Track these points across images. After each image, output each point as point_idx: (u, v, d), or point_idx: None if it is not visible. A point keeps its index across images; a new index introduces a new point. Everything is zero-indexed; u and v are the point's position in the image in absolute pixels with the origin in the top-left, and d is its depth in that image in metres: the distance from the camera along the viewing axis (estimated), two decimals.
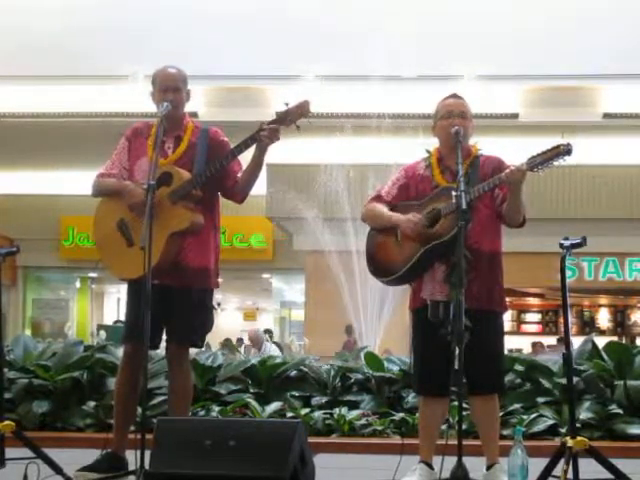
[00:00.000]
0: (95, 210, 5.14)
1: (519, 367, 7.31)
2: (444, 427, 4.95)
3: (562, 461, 4.27)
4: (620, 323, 19.92)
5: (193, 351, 5.94)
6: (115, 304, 22.72)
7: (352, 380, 7.58)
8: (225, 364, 7.65)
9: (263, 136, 4.78)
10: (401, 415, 6.96)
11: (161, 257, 4.72)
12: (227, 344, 15.32)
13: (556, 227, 12.45)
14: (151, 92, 5.07)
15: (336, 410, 7.11)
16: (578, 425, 5.44)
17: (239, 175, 5.02)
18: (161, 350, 5.24)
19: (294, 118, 4.79)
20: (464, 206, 4.41)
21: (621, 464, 4.42)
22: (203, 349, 7.27)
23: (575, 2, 12.90)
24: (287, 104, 4.81)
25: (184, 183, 4.82)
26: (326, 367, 7.76)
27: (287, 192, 14.46)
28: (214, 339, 16.78)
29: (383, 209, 4.95)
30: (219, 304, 24.90)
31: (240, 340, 19.12)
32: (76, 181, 15.21)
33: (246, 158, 4.95)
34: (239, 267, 18.66)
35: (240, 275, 20.42)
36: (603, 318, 20.00)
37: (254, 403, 7.13)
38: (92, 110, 15.97)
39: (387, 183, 5.09)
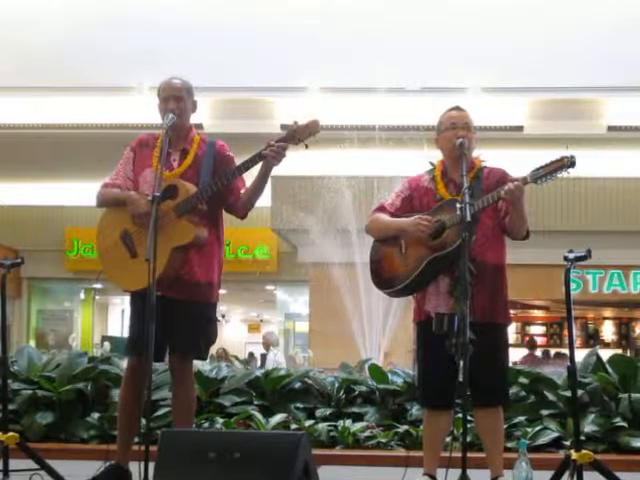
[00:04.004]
0: (99, 221, 5.14)
1: (523, 379, 7.30)
2: (448, 439, 4.95)
3: (566, 474, 4.26)
4: (624, 336, 19.88)
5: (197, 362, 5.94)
6: (119, 315, 22.70)
7: (356, 392, 7.58)
8: (229, 376, 7.65)
9: (270, 155, 4.77)
10: (405, 427, 6.96)
11: (164, 270, 4.71)
12: (222, 355, 15.32)
13: (560, 239, 12.48)
14: (158, 104, 5.08)
15: (340, 422, 7.10)
16: (582, 438, 5.43)
17: (242, 191, 5.02)
18: (165, 362, 5.24)
19: (303, 137, 4.77)
20: (468, 218, 4.41)
21: (625, 477, 4.42)
22: (207, 361, 7.27)
23: (580, 15, 12.92)
24: (296, 122, 4.79)
25: (190, 197, 4.81)
26: (330, 379, 7.75)
27: (291, 204, 14.46)
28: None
29: (387, 217, 4.97)
30: (223, 316, 24.91)
31: (251, 355, 19.11)
32: (80, 192, 15.24)
33: (250, 173, 4.95)
34: (243, 279, 18.68)
35: (244, 287, 20.43)
36: (607, 331, 19.97)
37: (258, 415, 7.13)
38: (97, 121, 16.02)
39: (391, 195, 5.10)
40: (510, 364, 5.96)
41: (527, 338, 18.39)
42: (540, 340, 19.64)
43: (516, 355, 15.01)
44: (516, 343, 18.67)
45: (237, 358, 11.61)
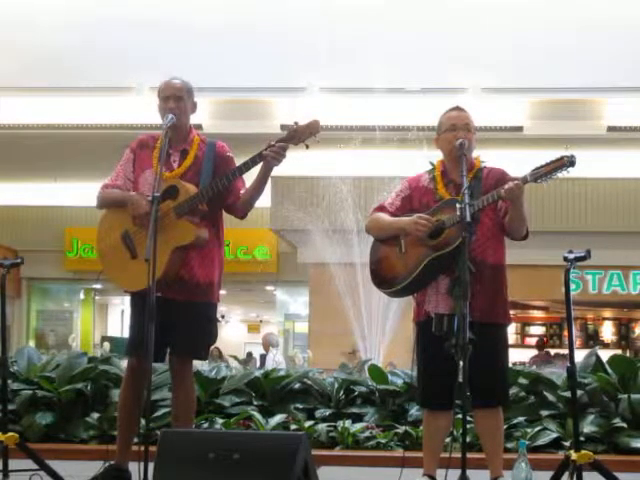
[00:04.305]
0: (99, 221, 5.14)
1: (523, 380, 7.30)
2: (448, 440, 4.94)
3: (566, 474, 4.26)
4: (624, 336, 19.91)
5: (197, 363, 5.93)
6: (119, 316, 22.74)
7: (356, 393, 7.58)
8: (229, 376, 7.65)
9: (270, 155, 4.77)
10: (405, 428, 6.95)
11: (164, 270, 4.72)
12: (216, 355, 15.31)
13: (560, 240, 12.47)
14: (158, 104, 5.08)
15: (340, 423, 7.10)
16: (582, 438, 5.43)
17: (242, 192, 5.02)
18: (165, 362, 5.24)
19: (303, 137, 4.76)
20: (468, 218, 4.41)
21: (625, 478, 4.42)
22: (207, 361, 7.27)
23: (579, 15, 12.92)
24: (296, 123, 4.79)
25: (190, 197, 4.81)
26: (330, 380, 7.75)
27: (291, 204, 14.46)
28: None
29: (387, 217, 4.96)
30: (223, 316, 24.92)
31: (249, 355, 19.11)
32: (80, 193, 15.27)
33: (250, 173, 4.95)
34: (243, 279, 18.67)
35: (244, 287, 20.43)
36: (607, 331, 19.99)
37: (258, 415, 7.12)
38: (97, 122, 16.02)
39: (391, 195, 5.09)
40: (510, 364, 5.96)
41: (537, 339, 18.48)
42: None
43: (517, 355, 15.02)
44: (516, 343, 18.70)
45: (236, 358, 11.58)
